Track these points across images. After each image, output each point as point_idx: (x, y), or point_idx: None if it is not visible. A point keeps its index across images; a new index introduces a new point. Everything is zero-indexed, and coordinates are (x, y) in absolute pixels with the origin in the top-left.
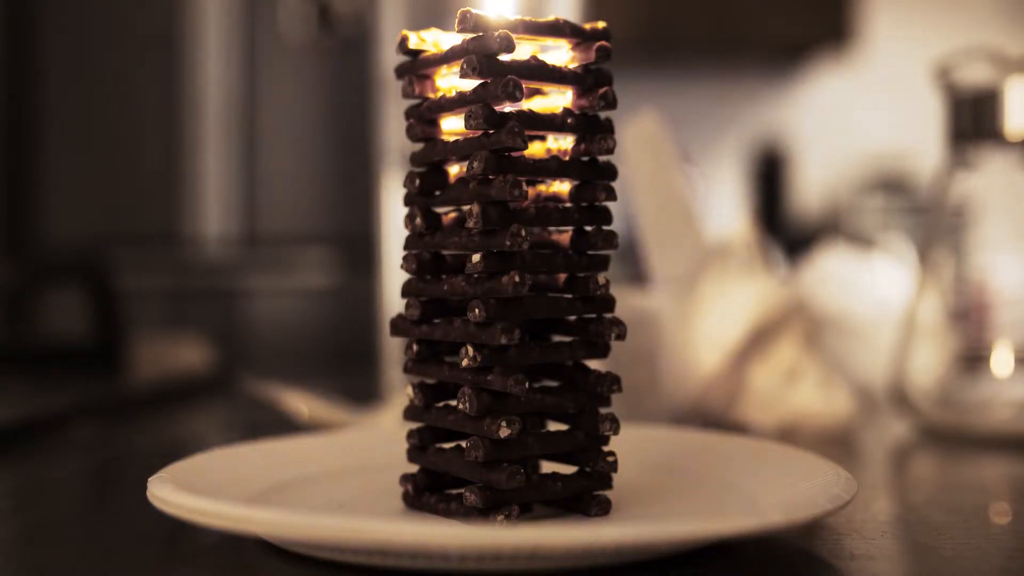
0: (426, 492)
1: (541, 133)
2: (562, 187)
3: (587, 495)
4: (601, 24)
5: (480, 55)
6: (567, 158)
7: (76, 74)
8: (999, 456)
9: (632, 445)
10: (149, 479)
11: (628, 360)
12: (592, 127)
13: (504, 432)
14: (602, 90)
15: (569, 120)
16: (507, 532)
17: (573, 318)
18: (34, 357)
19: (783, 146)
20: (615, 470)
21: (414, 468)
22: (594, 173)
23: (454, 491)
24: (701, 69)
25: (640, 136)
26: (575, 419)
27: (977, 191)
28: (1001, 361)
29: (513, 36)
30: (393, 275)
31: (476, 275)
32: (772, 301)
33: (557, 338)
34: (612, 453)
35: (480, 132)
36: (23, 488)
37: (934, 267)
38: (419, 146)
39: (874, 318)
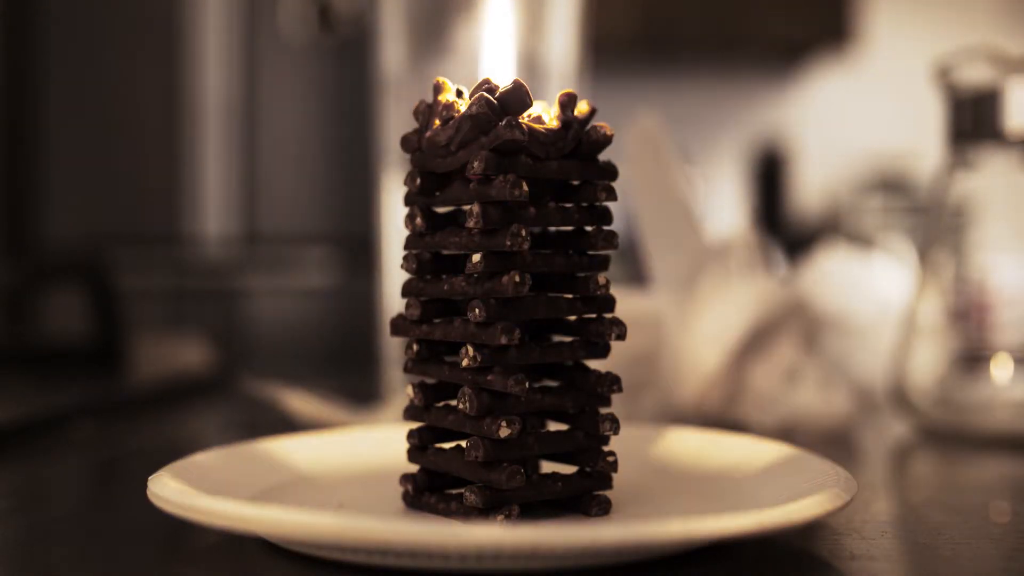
0: (426, 492)
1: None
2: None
3: (587, 495)
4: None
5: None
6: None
7: (76, 74)
8: (999, 456)
9: (632, 445)
10: (149, 478)
11: (628, 360)
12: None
13: (504, 432)
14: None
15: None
16: (507, 532)
17: (573, 318)
18: (34, 357)
19: (783, 146)
20: (615, 470)
21: (414, 468)
22: (594, 173)
23: (454, 491)
24: (701, 69)
25: (640, 136)
26: (575, 419)
27: (977, 191)
28: (1001, 361)
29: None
30: (393, 275)
31: (476, 275)
32: (772, 301)
33: (557, 338)
34: (612, 453)
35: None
36: (23, 488)
37: (934, 267)
38: None
39: (874, 318)
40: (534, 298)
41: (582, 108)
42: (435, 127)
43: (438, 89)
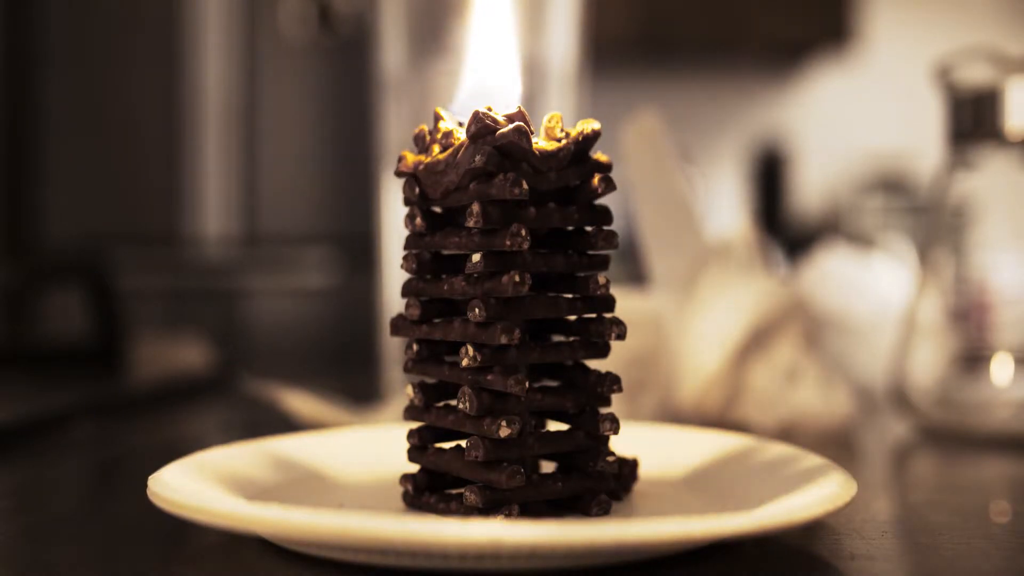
0: (426, 492)
1: None
2: None
3: (587, 495)
4: (604, 158)
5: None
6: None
7: (76, 74)
8: (999, 456)
9: (632, 445)
10: (149, 478)
11: (628, 360)
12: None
13: (504, 432)
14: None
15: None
16: (507, 532)
17: (573, 318)
18: (34, 357)
19: (783, 146)
20: (615, 470)
21: (414, 468)
22: (589, 169)
23: (454, 491)
24: (701, 69)
25: (640, 136)
26: (575, 419)
27: (977, 191)
28: (1001, 361)
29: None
30: (393, 275)
31: (476, 275)
32: (772, 301)
33: (557, 338)
34: (612, 453)
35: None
36: (23, 488)
37: (934, 267)
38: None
39: (874, 318)
40: (534, 298)
41: (574, 129)
42: (434, 154)
43: (437, 119)
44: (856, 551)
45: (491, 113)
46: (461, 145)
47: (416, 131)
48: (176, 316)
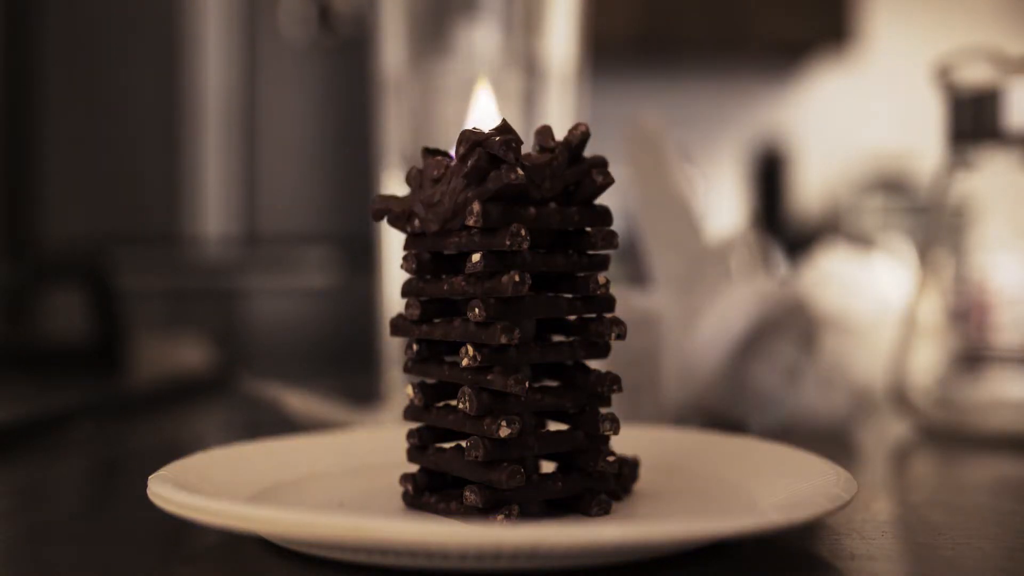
0: (426, 492)
1: None
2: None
3: (587, 495)
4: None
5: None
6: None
7: (76, 74)
8: (999, 456)
9: (632, 445)
10: (149, 478)
11: (628, 360)
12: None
13: (504, 432)
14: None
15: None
16: (507, 532)
17: (573, 318)
18: (34, 357)
19: (783, 146)
20: (615, 470)
21: (414, 468)
22: (586, 167)
23: (454, 491)
24: (701, 69)
25: (640, 136)
26: (575, 419)
27: (977, 191)
28: (1001, 361)
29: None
30: (393, 275)
31: (476, 275)
32: (772, 301)
33: (557, 338)
34: (612, 453)
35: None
36: (24, 488)
37: (934, 267)
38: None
39: (874, 318)
40: (534, 298)
41: (564, 135)
42: (428, 187)
43: (425, 155)
44: (856, 551)
45: (477, 129)
46: (453, 171)
47: (408, 171)
48: (176, 316)
